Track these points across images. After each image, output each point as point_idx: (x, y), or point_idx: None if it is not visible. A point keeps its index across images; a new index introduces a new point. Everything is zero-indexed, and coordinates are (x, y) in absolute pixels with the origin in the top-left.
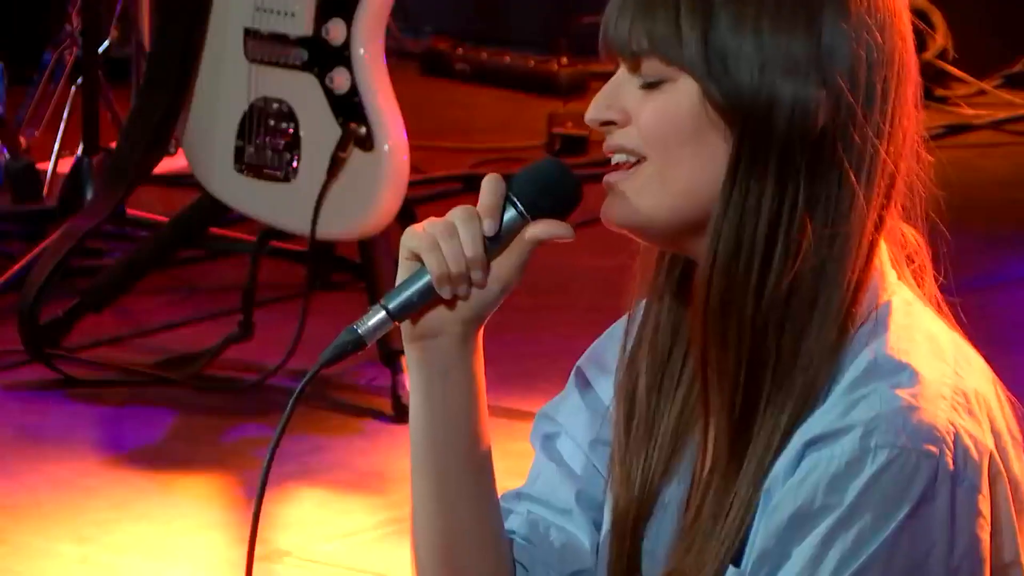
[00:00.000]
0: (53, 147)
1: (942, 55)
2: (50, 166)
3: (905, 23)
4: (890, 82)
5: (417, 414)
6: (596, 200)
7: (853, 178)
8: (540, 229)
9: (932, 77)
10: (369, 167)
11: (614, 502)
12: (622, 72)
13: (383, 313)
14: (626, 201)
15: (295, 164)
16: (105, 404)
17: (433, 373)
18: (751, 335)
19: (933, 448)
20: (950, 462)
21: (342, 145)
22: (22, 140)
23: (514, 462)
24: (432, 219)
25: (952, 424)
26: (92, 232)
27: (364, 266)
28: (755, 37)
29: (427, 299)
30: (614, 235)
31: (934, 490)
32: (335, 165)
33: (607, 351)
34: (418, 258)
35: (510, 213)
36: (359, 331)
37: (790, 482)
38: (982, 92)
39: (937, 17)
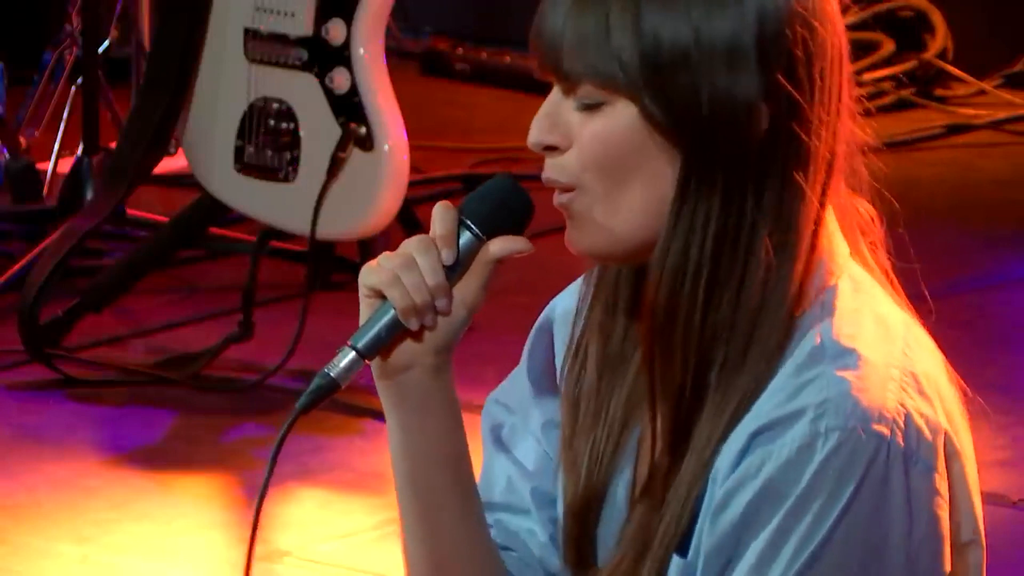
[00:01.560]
0: (53, 147)
1: (942, 55)
2: (50, 166)
3: (832, 4)
4: (827, 71)
5: (397, 448)
6: None
7: (800, 177)
8: (497, 247)
9: (932, 77)
10: (369, 167)
11: (564, 489)
12: (558, 91)
13: (353, 353)
14: (582, 232)
15: (295, 164)
16: (105, 404)
17: (409, 407)
18: (698, 347)
19: (883, 429)
20: (901, 442)
21: (342, 145)
22: (22, 140)
23: None
24: (387, 253)
25: (902, 405)
26: (92, 232)
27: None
28: (690, 47)
29: (395, 333)
30: None
31: (888, 470)
32: (335, 165)
33: (556, 317)
34: (379, 294)
35: (465, 237)
36: (332, 374)
37: (741, 474)
38: (982, 92)
39: (937, 17)
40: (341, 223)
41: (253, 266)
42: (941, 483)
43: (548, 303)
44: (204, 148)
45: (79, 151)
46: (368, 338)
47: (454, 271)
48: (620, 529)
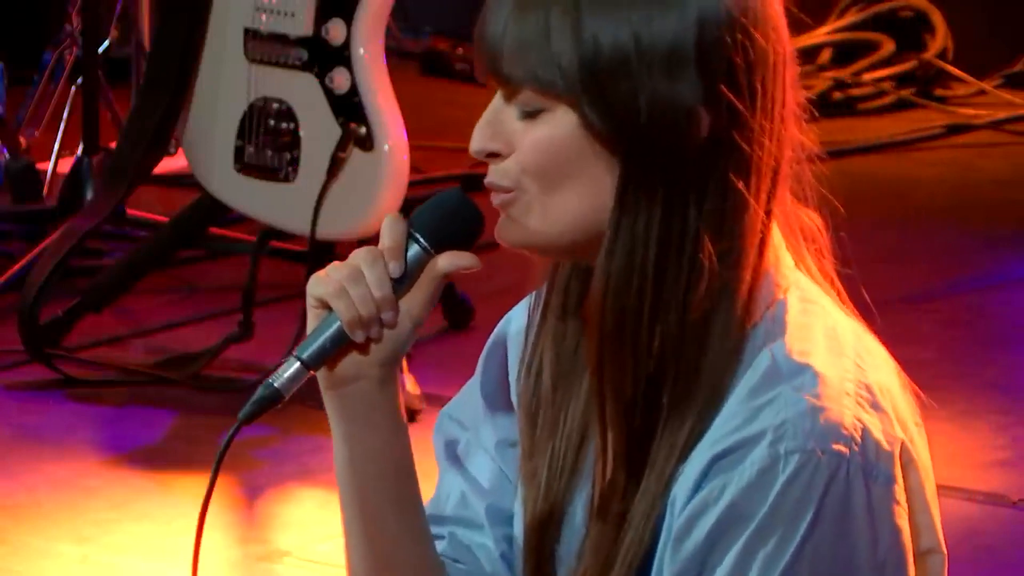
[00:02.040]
0: (53, 147)
1: (942, 55)
2: (50, 166)
3: (776, 9)
4: (768, 79)
5: (341, 459)
6: None
7: (742, 186)
8: (446, 262)
9: (932, 77)
10: (369, 167)
11: (524, 503)
12: (500, 97)
13: (298, 364)
14: (516, 224)
15: (295, 164)
16: (105, 404)
17: (354, 418)
18: (647, 357)
19: (842, 447)
20: (861, 459)
21: (342, 145)
22: (22, 140)
23: None
24: (336, 264)
25: (859, 420)
26: (92, 232)
27: None
28: (630, 54)
29: (340, 345)
30: None
31: (848, 488)
32: (335, 165)
33: (510, 332)
34: (326, 305)
35: (413, 250)
36: (275, 384)
37: (703, 499)
38: (982, 92)
39: (937, 17)
40: (341, 223)
41: (253, 266)
42: (901, 494)
43: None
44: (204, 148)
45: (79, 151)
46: (313, 349)
47: (401, 284)
48: (579, 546)
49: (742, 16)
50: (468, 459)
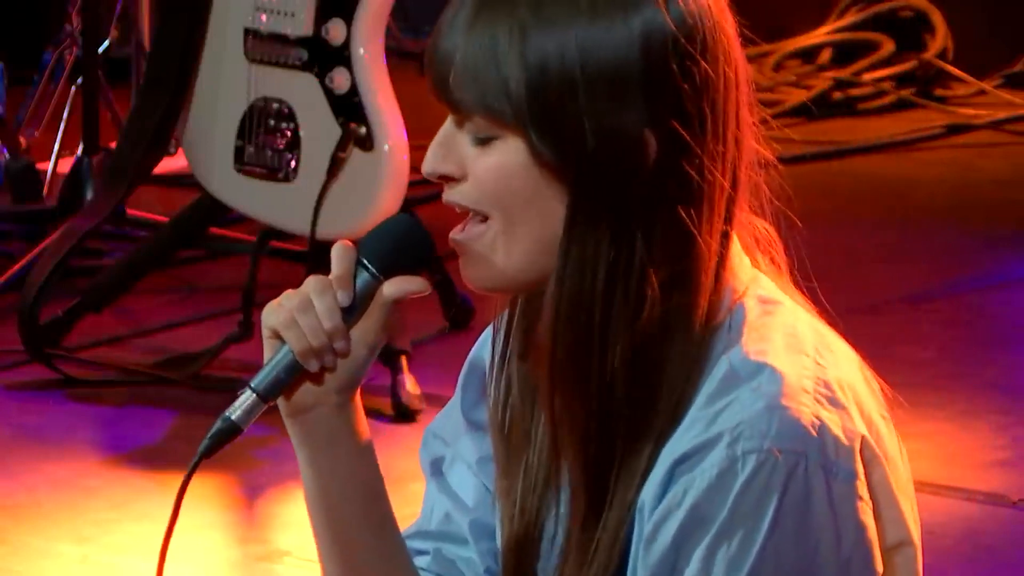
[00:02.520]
0: (53, 147)
1: (942, 55)
2: (50, 166)
3: (728, 31)
4: (718, 102)
5: (308, 484)
6: None
7: (692, 211)
8: (393, 289)
9: (932, 77)
10: (369, 167)
11: (501, 518)
12: (452, 121)
13: (253, 396)
14: (478, 263)
15: (295, 164)
16: (105, 404)
17: (316, 445)
18: (600, 386)
19: (798, 445)
20: (820, 456)
21: (342, 145)
22: (22, 140)
23: None
24: (289, 292)
25: (817, 418)
26: (92, 232)
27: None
28: (577, 89)
29: (294, 375)
30: None
31: (807, 486)
32: (335, 165)
33: (487, 354)
34: (279, 336)
35: (363, 277)
36: (232, 418)
37: (667, 504)
38: (982, 92)
39: (937, 17)
40: (341, 223)
41: (253, 266)
42: (863, 489)
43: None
44: (204, 148)
45: (79, 151)
46: (268, 381)
47: (351, 312)
48: (557, 563)
49: (688, 42)
50: (452, 475)
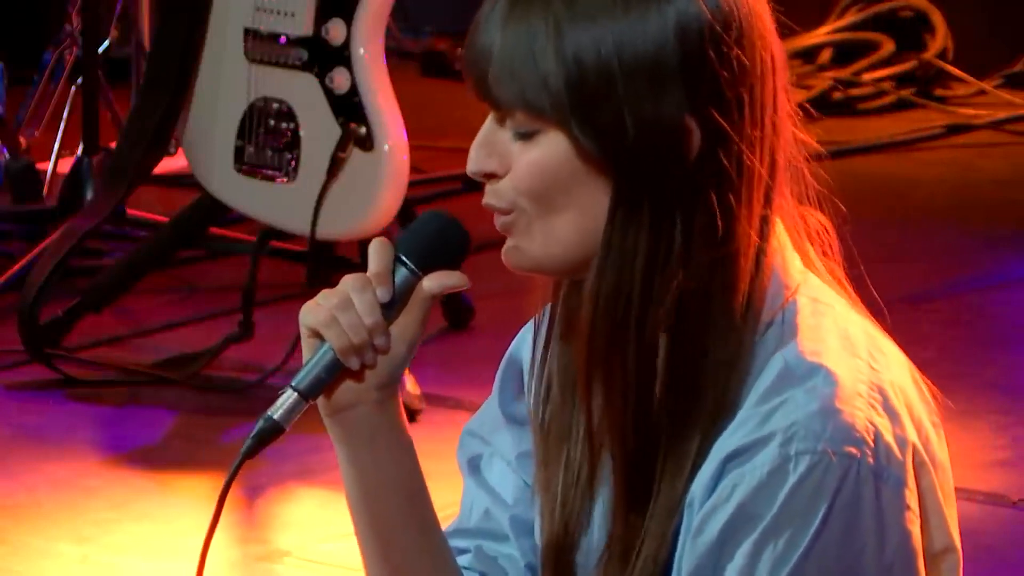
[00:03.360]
0: (53, 147)
1: (942, 55)
2: (50, 166)
3: (763, 18)
4: (755, 87)
5: (349, 482)
6: None
7: (731, 198)
8: (433, 284)
9: (932, 77)
10: (369, 167)
11: (541, 512)
12: (493, 119)
13: (295, 395)
14: (518, 248)
15: (295, 164)
16: (105, 404)
17: (358, 443)
18: (638, 375)
19: (854, 450)
20: (871, 461)
21: (342, 145)
22: (22, 140)
23: None
24: (326, 291)
25: (871, 422)
26: (92, 232)
27: (364, 266)
28: (615, 81)
29: (335, 373)
30: None
31: (858, 490)
32: (335, 165)
33: (525, 349)
34: (318, 334)
35: (401, 273)
36: (275, 417)
37: (715, 499)
38: (982, 92)
39: (937, 17)
40: (341, 223)
41: (253, 266)
42: (911, 498)
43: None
44: (204, 148)
45: (79, 151)
46: (309, 379)
47: (391, 308)
48: (598, 556)
49: (724, 28)
50: (490, 472)
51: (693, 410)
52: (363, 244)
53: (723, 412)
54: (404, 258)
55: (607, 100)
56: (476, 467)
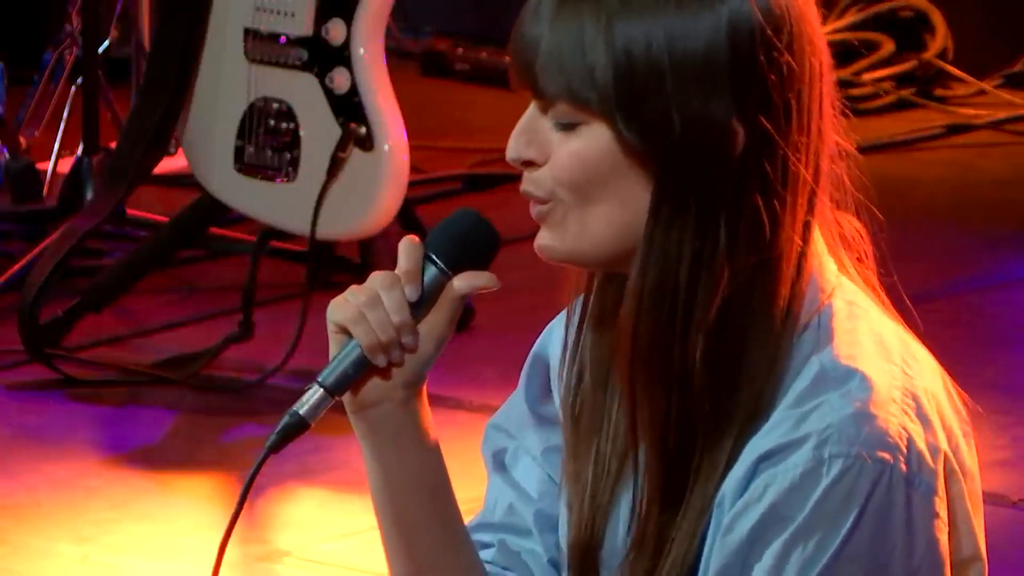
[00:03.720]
0: (53, 147)
1: (942, 55)
2: (50, 166)
3: (813, 24)
4: (803, 92)
5: (374, 479)
6: None
7: (775, 202)
8: (463, 283)
9: (932, 77)
10: (369, 167)
11: (568, 504)
12: (536, 107)
13: (321, 391)
14: (552, 236)
15: (295, 164)
16: (105, 404)
17: (383, 440)
18: (681, 373)
19: (887, 455)
20: (904, 468)
21: (342, 145)
22: (22, 140)
23: None
24: (354, 288)
25: (904, 429)
26: (92, 232)
27: (364, 266)
28: (664, 77)
29: (362, 370)
30: None
31: (890, 495)
32: (335, 165)
33: (552, 344)
34: (345, 331)
35: (431, 272)
36: (300, 412)
37: (746, 498)
38: (982, 92)
39: (937, 17)
40: (341, 223)
41: (253, 266)
42: (941, 506)
43: (547, 302)
44: (204, 148)
45: (79, 151)
46: (336, 375)
47: (419, 307)
48: (625, 552)
49: (775, 32)
50: (515, 467)
51: (730, 410)
52: (363, 244)
53: (758, 413)
54: (434, 257)
55: (655, 95)
56: (501, 462)
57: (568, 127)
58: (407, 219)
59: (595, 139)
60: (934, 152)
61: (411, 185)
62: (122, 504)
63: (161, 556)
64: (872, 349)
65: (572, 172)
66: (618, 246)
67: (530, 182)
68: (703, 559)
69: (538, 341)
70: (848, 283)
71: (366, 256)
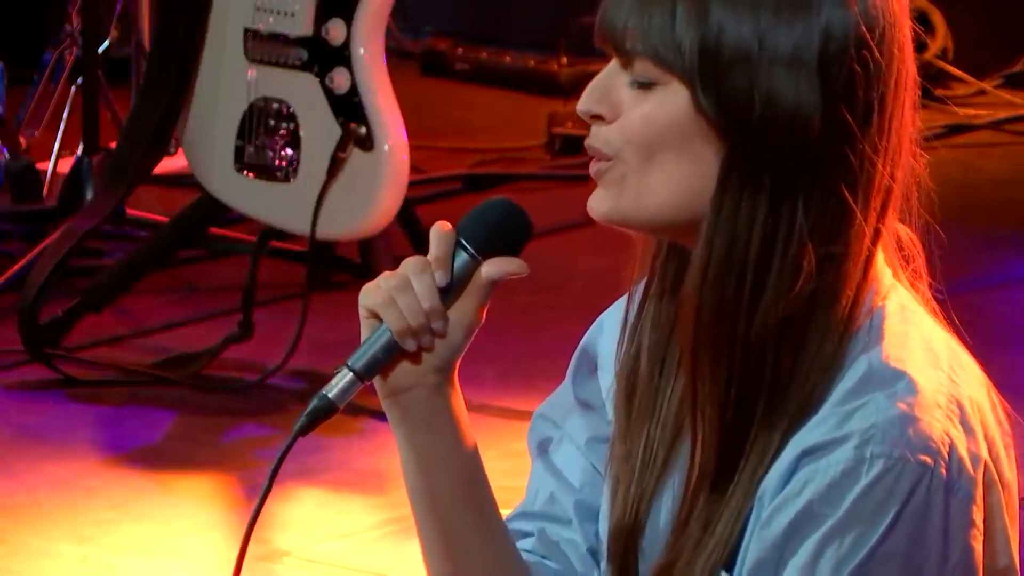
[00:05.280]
0: (53, 147)
1: (942, 55)
2: (50, 166)
3: (905, 32)
4: (887, 95)
5: (408, 467)
6: None
7: (849, 196)
8: (492, 269)
9: (932, 77)
10: (369, 167)
11: (613, 487)
12: (615, 64)
13: (350, 375)
14: (608, 196)
15: (295, 164)
16: (105, 404)
17: (415, 426)
18: (744, 351)
19: (928, 459)
20: (944, 473)
21: (342, 145)
22: (22, 140)
23: (514, 462)
24: (386, 273)
25: (947, 435)
26: (92, 232)
27: (364, 266)
28: (752, 50)
29: (392, 355)
30: (613, 234)
31: (928, 499)
32: (335, 165)
33: (602, 337)
34: (376, 315)
35: (461, 258)
36: (329, 396)
37: (786, 493)
38: (982, 92)
39: (937, 17)
40: (341, 223)
41: (253, 266)
42: (978, 514)
43: (547, 302)
44: (204, 148)
45: (79, 151)
46: (366, 359)
47: (449, 293)
48: (663, 539)
49: (869, 32)
50: (559, 456)
51: (785, 399)
52: (363, 244)
53: (808, 406)
54: (465, 243)
55: (739, 73)
56: (545, 450)
57: (645, 86)
58: (407, 219)
59: (671, 102)
60: (934, 152)
61: (411, 185)
62: (122, 504)
63: (161, 556)
64: (921, 354)
65: (643, 132)
66: (675, 214)
67: (597, 137)
68: (742, 548)
69: (588, 332)
70: (902, 289)
71: (366, 256)
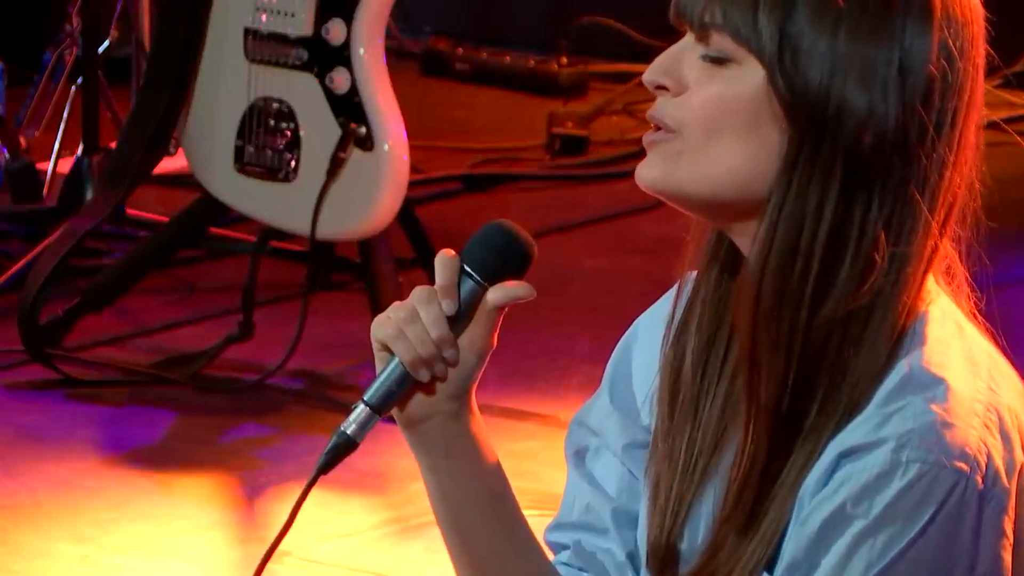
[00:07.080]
0: (53, 147)
1: None
2: (50, 166)
3: (980, 52)
4: (959, 111)
5: (433, 492)
6: (597, 200)
7: (921, 199)
8: (499, 295)
9: None
10: (369, 167)
11: (654, 486)
12: (688, 39)
13: (367, 410)
14: (661, 165)
15: (295, 164)
16: (105, 404)
17: (435, 454)
18: (804, 342)
19: (964, 466)
20: (979, 481)
21: (342, 145)
22: (22, 140)
23: (515, 462)
24: (396, 304)
25: (984, 443)
26: (92, 232)
27: (364, 266)
28: (833, 39)
29: (406, 386)
30: (613, 236)
31: (962, 506)
32: (335, 165)
33: (636, 344)
34: (388, 348)
35: (467, 285)
36: (348, 432)
37: (823, 492)
38: None
39: None
40: (341, 223)
41: (253, 266)
42: (1009, 525)
43: (547, 303)
44: (204, 148)
45: (79, 151)
46: (380, 393)
47: (457, 321)
48: (704, 537)
49: (949, 42)
50: (596, 464)
51: (837, 401)
52: (363, 244)
53: (856, 406)
54: (469, 270)
55: (818, 65)
56: (582, 459)
57: (718, 62)
58: (407, 219)
59: (744, 81)
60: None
61: (411, 185)
62: (122, 504)
63: (161, 556)
64: (961, 361)
65: (710, 107)
66: (728, 194)
67: (661, 108)
68: (784, 544)
69: (623, 337)
70: (945, 297)
71: (366, 256)
